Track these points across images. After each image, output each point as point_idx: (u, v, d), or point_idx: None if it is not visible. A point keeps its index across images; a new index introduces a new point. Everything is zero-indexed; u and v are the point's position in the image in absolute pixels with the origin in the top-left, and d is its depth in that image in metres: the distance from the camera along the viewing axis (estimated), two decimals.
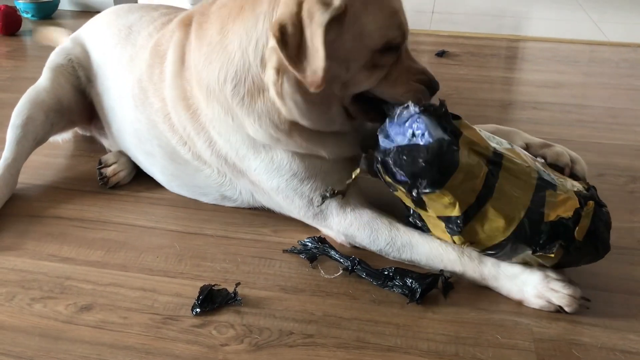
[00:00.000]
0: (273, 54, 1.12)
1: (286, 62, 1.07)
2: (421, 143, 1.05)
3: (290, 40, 1.05)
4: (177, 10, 1.57)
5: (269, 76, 1.14)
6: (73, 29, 1.80)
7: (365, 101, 1.20)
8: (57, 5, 3.14)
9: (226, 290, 1.13)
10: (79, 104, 1.59)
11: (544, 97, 2.15)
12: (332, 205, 1.25)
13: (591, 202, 1.08)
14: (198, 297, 1.11)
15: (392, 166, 1.08)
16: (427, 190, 1.05)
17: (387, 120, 1.13)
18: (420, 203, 1.09)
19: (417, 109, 1.08)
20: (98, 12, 1.74)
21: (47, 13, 3.10)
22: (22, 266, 1.22)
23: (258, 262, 1.23)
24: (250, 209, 1.41)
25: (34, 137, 1.51)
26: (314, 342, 1.03)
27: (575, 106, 2.07)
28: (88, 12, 3.19)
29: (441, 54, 2.60)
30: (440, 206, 1.07)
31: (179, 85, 1.31)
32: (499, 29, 3.09)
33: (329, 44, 1.05)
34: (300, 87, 1.12)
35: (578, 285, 1.10)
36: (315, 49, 1.04)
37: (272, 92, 1.16)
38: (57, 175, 1.55)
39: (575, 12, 3.49)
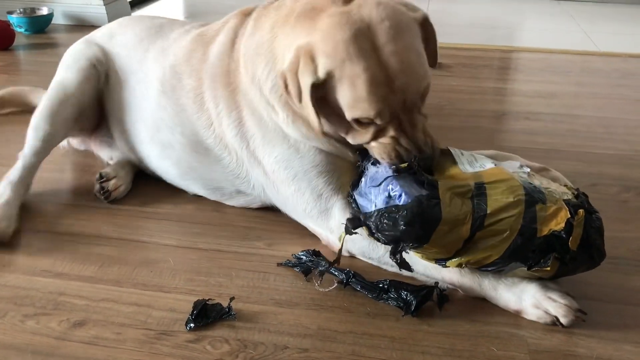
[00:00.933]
0: None
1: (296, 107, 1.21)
2: (399, 204, 1.07)
3: (291, 89, 1.17)
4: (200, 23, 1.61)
5: None
6: (66, 43, 1.80)
7: None
8: (50, 19, 3.14)
9: (220, 304, 1.13)
10: (94, 109, 1.60)
11: (537, 108, 2.16)
12: (337, 205, 1.27)
13: (581, 211, 1.08)
14: (192, 312, 1.10)
15: (374, 231, 1.09)
16: (412, 247, 1.07)
17: (363, 179, 1.19)
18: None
19: (389, 172, 1.12)
20: (92, 26, 1.75)
21: (40, 27, 3.10)
22: (15, 282, 1.21)
23: (252, 276, 1.23)
24: (243, 224, 1.41)
25: (58, 139, 1.55)
26: (309, 357, 1.03)
27: (568, 116, 2.08)
28: (82, 26, 3.20)
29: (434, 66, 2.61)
30: (430, 253, 1.09)
31: (225, 63, 1.36)
32: (491, 40, 3.10)
33: (318, 100, 1.15)
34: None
35: (574, 297, 1.10)
36: (306, 103, 1.16)
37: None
38: (50, 190, 1.54)
39: (566, 23, 3.52)
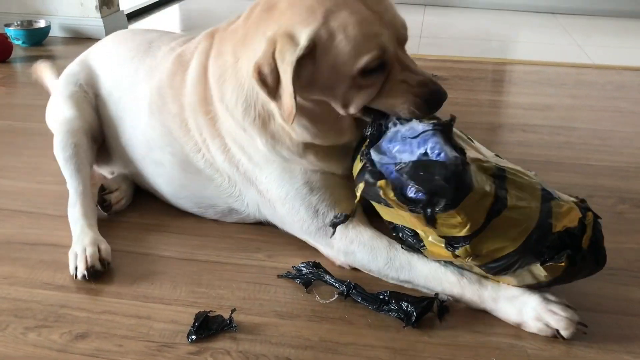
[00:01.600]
0: None
1: (268, 98, 1.15)
2: (437, 159, 1.04)
3: (268, 80, 1.12)
4: (193, 34, 1.60)
5: (274, 106, 1.19)
6: (63, 56, 1.81)
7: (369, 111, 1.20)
8: (47, 32, 3.15)
9: (221, 316, 1.13)
10: (99, 127, 1.60)
11: (532, 120, 2.18)
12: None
13: (590, 213, 1.09)
14: (193, 324, 1.11)
15: (406, 181, 1.05)
16: (441, 209, 1.03)
17: (384, 137, 1.13)
18: (431, 222, 1.06)
19: (428, 126, 1.08)
20: (89, 38, 1.76)
21: (38, 40, 3.11)
22: (16, 294, 1.21)
23: (253, 288, 1.23)
24: (242, 235, 1.41)
25: (89, 162, 1.53)
26: None
27: (563, 128, 2.10)
28: (79, 39, 3.21)
29: None
30: (448, 226, 1.06)
31: (200, 90, 1.34)
32: (486, 53, 3.13)
33: (307, 77, 1.12)
34: (303, 112, 1.18)
35: (575, 310, 1.11)
36: (285, 85, 1.10)
37: (279, 120, 1.23)
38: (50, 202, 1.54)
39: (560, 36, 3.55)
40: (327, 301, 1.19)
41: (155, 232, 1.45)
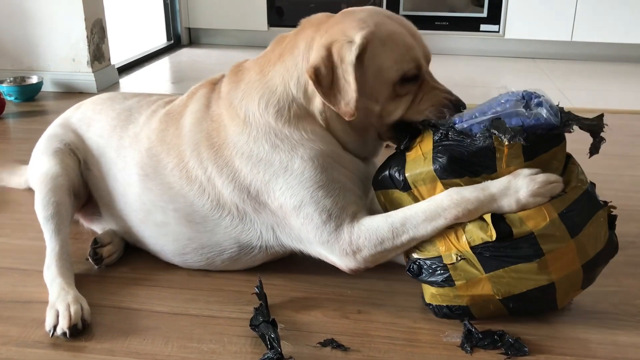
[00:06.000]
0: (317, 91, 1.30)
1: (322, 98, 1.28)
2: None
3: (324, 80, 1.26)
4: (172, 96, 1.64)
5: (316, 107, 1.34)
6: (56, 110, 1.84)
7: (398, 127, 1.35)
8: (40, 87, 3.21)
9: None
10: (82, 184, 1.61)
11: None
12: (346, 222, 1.30)
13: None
14: None
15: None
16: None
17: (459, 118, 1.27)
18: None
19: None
20: (81, 92, 1.77)
21: (30, 95, 3.16)
22: (7, 354, 1.21)
23: (244, 342, 1.24)
24: (233, 288, 1.43)
25: (69, 221, 1.54)
26: None
27: None
28: (71, 93, 3.27)
29: None
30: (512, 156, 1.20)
31: (204, 128, 1.42)
32: (470, 99, 3.18)
33: (356, 80, 1.25)
34: (340, 117, 1.31)
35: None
36: (348, 83, 1.25)
37: (319, 119, 1.35)
38: (42, 259, 1.55)
39: (541, 81, 3.65)
40: (319, 351, 1.20)
41: (146, 286, 1.46)
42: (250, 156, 1.35)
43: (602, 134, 1.24)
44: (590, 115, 1.25)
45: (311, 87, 1.31)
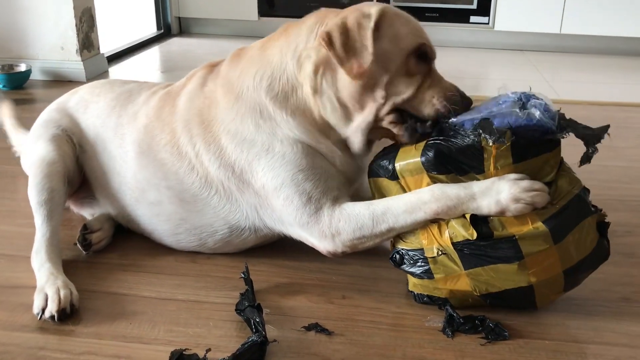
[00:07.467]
0: (311, 54, 1.32)
1: (334, 59, 1.27)
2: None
3: (336, 42, 1.26)
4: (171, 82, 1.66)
5: (306, 73, 1.33)
6: (44, 99, 1.84)
7: (402, 116, 1.32)
8: (28, 75, 3.20)
9: (197, 355, 1.15)
10: (77, 171, 1.62)
11: None
12: (326, 206, 1.32)
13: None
14: None
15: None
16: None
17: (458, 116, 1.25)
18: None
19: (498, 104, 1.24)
20: (70, 81, 1.78)
21: (18, 83, 3.15)
22: None
23: (230, 326, 1.26)
24: (220, 274, 1.44)
25: (62, 209, 1.54)
26: None
27: None
28: (59, 82, 3.25)
29: None
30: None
31: (196, 105, 1.44)
32: None
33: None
34: (335, 84, 1.31)
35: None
36: (365, 46, 1.26)
37: (307, 88, 1.34)
38: (30, 245, 1.55)
39: (529, 73, 3.68)
40: (303, 335, 1.22)
41: (134, 272, 1.47)
42: (235, 134, 1.37)
43: (597, 145, 1.22)
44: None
45: (305, 52, 1.32)
